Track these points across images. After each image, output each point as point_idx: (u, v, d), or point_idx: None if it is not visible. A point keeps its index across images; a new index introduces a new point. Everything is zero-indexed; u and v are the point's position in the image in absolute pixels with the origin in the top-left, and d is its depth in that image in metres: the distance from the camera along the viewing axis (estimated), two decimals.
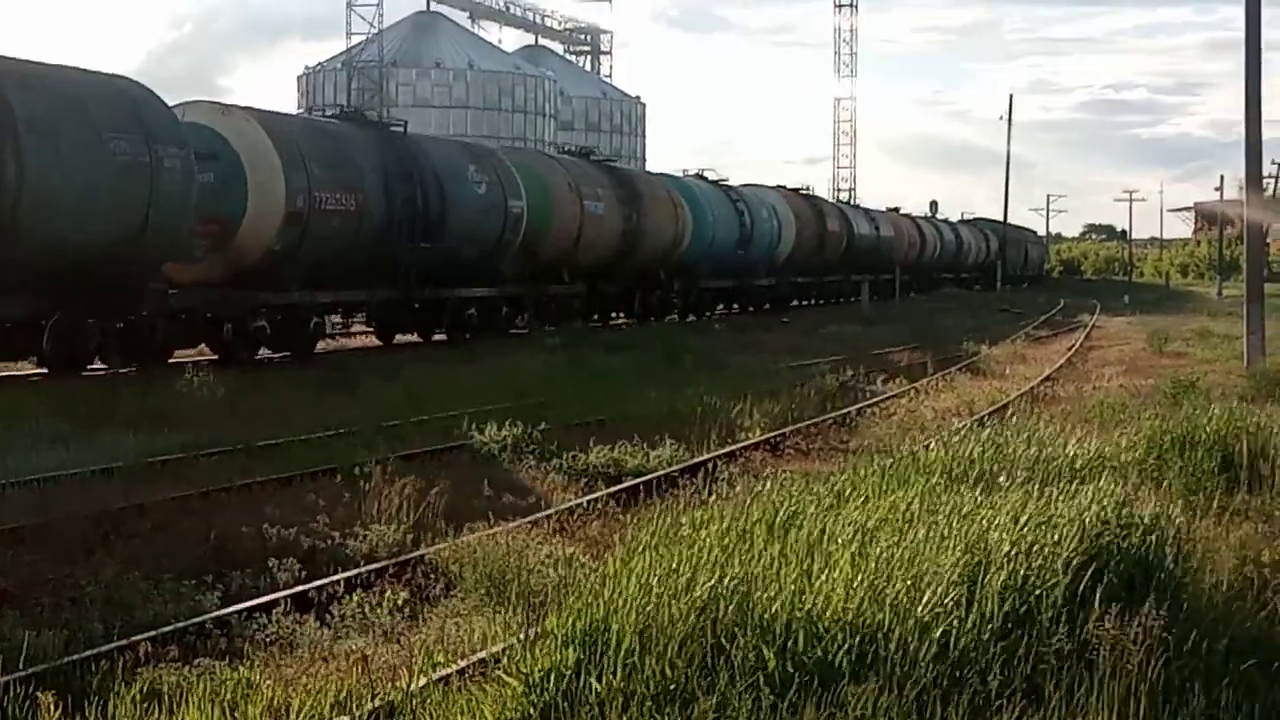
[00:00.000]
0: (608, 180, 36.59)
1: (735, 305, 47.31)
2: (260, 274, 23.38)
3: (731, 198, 44.99)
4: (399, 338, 28.98)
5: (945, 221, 79.42)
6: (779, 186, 52.34)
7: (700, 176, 45.64)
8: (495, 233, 29.46)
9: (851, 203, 73.73)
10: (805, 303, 53.31)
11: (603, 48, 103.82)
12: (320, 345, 26.22)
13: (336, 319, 29.27)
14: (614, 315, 37.90)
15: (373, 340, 29.28)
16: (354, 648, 7.14)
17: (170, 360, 21.53)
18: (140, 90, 21.42)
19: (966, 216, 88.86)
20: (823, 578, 6.24)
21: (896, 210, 70.54)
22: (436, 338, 29.09)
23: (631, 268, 37.17)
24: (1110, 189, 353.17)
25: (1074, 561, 6.48)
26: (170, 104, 22.53)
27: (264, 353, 24.12)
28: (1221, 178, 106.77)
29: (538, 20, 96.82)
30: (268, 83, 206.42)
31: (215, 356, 22.84)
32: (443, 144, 31.09)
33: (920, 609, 5.92)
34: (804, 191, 54.13)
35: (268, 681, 6.41)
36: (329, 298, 25.76)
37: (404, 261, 26.42)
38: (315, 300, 25.04)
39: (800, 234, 49.52)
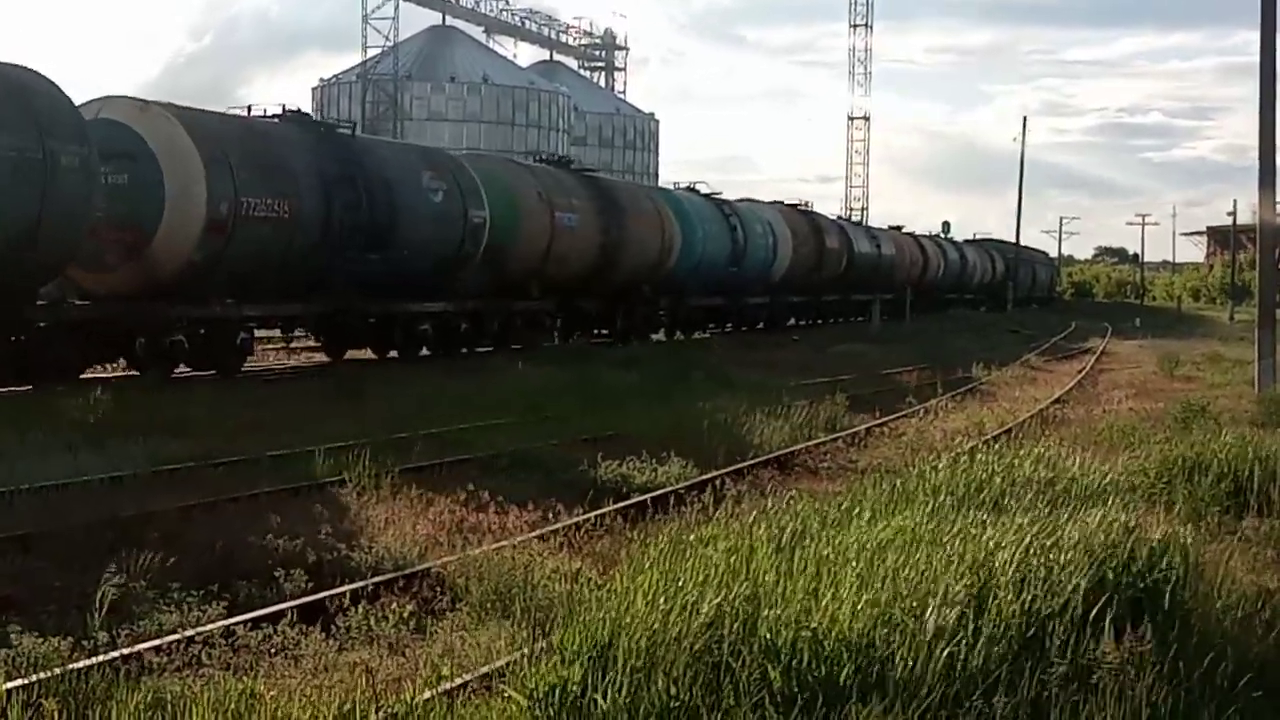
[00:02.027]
0: (584, 191, 34.50)
1: (728, 324, 45.01)
2: (180, 285, 21.49)
3: (724, 212, 43.20)
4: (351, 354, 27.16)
5: (950, 241, 77.74)
6: (776, 202, 50.67)
7: (692, 189, 44.15)
8: (452, 244, 27.36)
9: (853, 220, 72.56)
10: (802, 323, 51.46)
11: (617, 64, 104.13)
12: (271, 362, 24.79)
13: (276, 333, 27.47)
14: (597, 333, 35.65)
15: (320, 357, 27.55)
16: (359, 659, 7.14)
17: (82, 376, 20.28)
18: (35, 80, 19.19)
19: (979, 237, 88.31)
20: (829, 597, 6.23)
21: (899, 229, 68.75)
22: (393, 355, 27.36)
23: (611, 283, 34.90)
24: (1123, 212, 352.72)
25: (1081, 585, 6.47)
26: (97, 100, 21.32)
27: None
28: (1235, 202, 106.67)
29: (553, 36, 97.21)
30: (286, 95, 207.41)
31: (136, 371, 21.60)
32: (394, 148, 29.24)
33: (926, 630, 5.91)
34: (802, 207, 52.46)
35: (272, 692, 6.40)
36: (258, 311, 23.78)
37: (346, 273, 24.46)
38: (241, 314, 23.03)
39: (797, 251, 47.78)
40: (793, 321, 50.25)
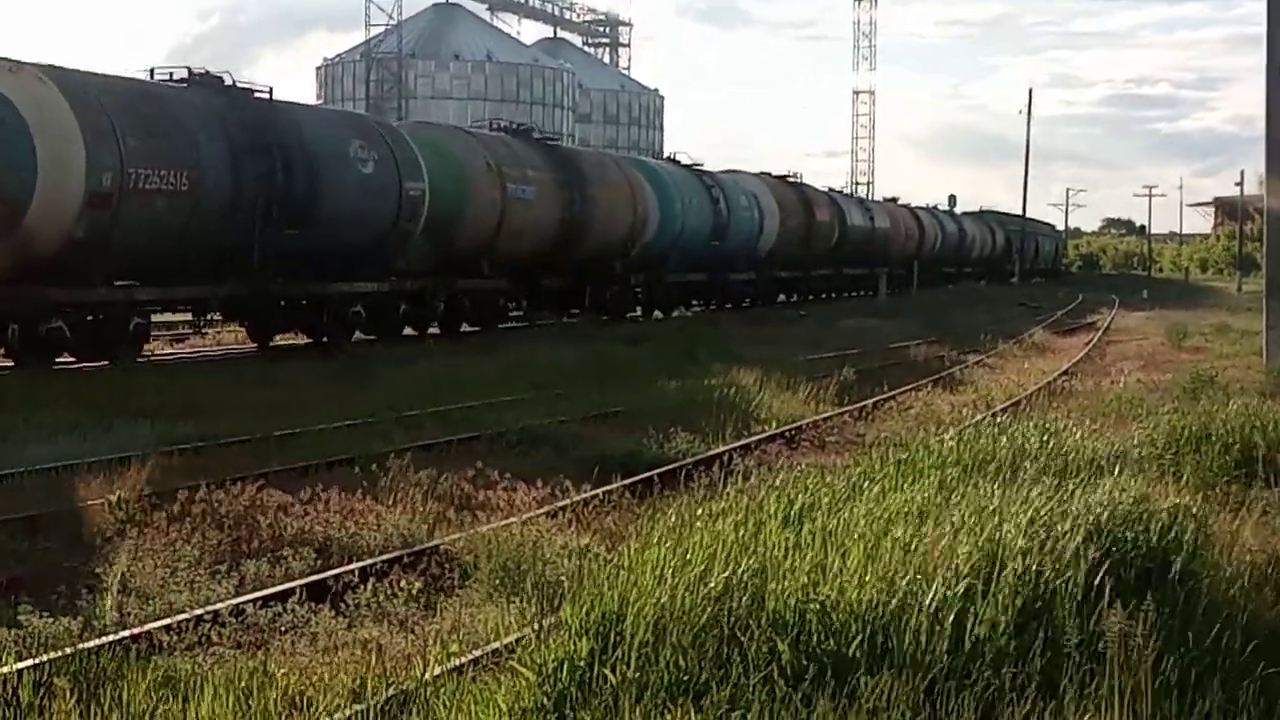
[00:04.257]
0: (543, 161, 31.96)
1: (713, 302, 43.02)
2: (61, 265, 19.34)
3: (706, 183, 40.72)
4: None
5: (948, 213, 75.52)
6: (763, 173, 47.98)
7: (673, 160, 42.22)
8: (387, 219, 25.21)
9: (853, 194, 71.41)
10: (791, 298, 48.83)
11: (622, 40, 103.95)
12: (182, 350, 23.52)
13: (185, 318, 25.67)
14: (573, 313, 33.54)
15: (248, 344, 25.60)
16: (369, 637, 7.16)
17: None
18: None
19: (985, 210, 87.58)
20: (837, 569, 6.24)
21: (894, 200, 67.60)
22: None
23: (577, 260, 32.61)
24: (1130, 184, 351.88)
25: (1090, 555, 6.46)
26: None
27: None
28: (1242, 173, 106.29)
29: (557, 12, 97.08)
30: (293, 75, 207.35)
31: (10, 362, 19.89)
32: (319, 114, 26.37)
33: (934, 601, 5.91)
34: (791, 178, 49.68)
35: (282, 670, 6.43)
36: (154, 295, 21.82)
37: (262, 252, 22.28)
38: (132, 298, 20.92)
39: (785, 224, 45.43)
40: (782, 298, 48.12)
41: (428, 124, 35.14)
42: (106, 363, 19.88)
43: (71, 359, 20.18)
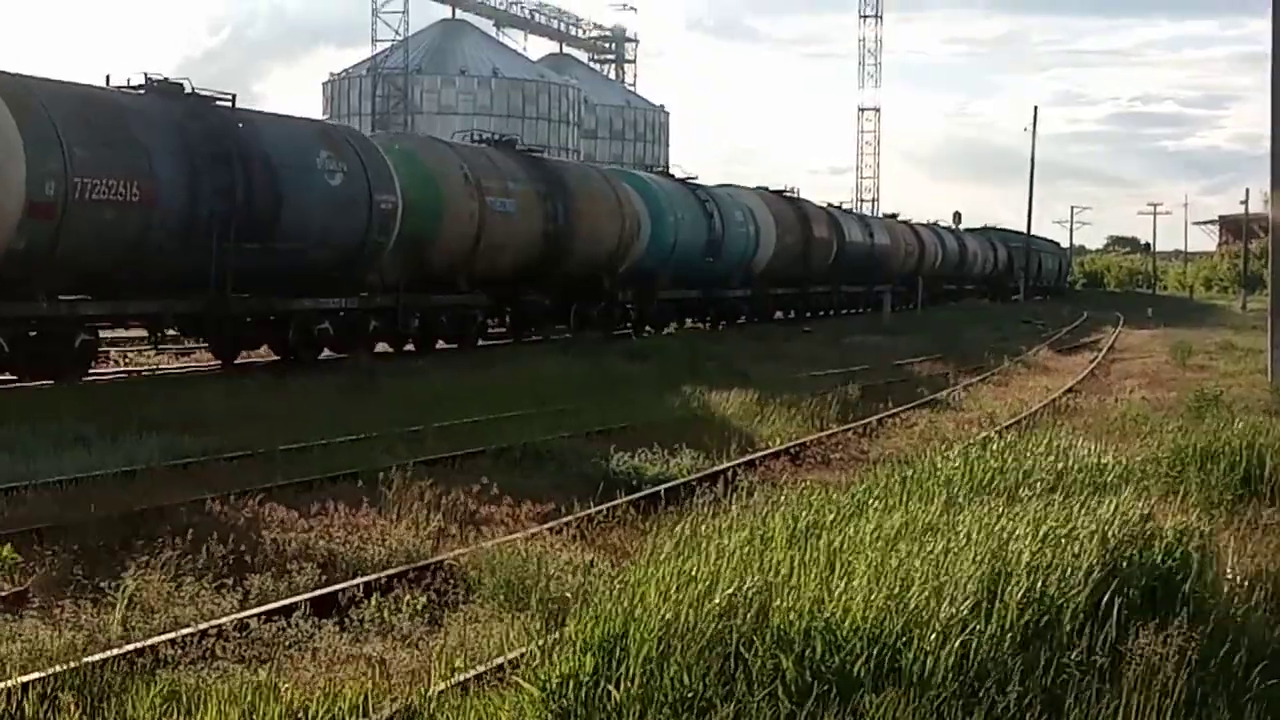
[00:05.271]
0: (525, 173, 30.82)
1: (707, 319, 41.76)
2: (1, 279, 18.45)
3: (700, 197, 39.62)
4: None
5: (949, 230, 74.47)
6: (760, 188, 47.15)
7: (665, 173, 41.20)
8: (356, 233, 24.13)
9: (853, 209, 70.70)
10: (788, 315, 47.94)
11: (628, 57, 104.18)
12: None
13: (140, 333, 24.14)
14: (559, 329, 32.24)
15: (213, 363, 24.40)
16: (373, 652, 7.16)
17: None
18: None
19: (988, 227, 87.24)
20: (842, 587, 6.23)
21: (894, 216, 66.96)
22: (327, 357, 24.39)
23: (562, 276, 31.53)
24: (1136, 201, 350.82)
25: (1095, 573, 6.46)
26: None
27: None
28: (1247, 190, 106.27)
29: (563, 28, 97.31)
30: (302, 89, 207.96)
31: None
32: (285, 124, 24.83)
33: (940, 619, 5.90)
34: (788, 193, 48.76)
35: (286, 684, 6.43)
36: (103, 310, 20.74)
37: (219, 266, 21.19)
38: (77, 313, 19.94)
39: (782, 240, 44.45)
40: (779, 315, 47.24)
41: (404, 135, 33.75)
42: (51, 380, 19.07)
43: (13, 377, 19.25)
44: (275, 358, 24.20)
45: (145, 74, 21.94)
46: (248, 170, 21.85)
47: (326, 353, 24.64)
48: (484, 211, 28.15)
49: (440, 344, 27.99)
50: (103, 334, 22.50)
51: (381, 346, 26.30)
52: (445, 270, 27.44)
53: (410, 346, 27.07)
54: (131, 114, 20.67)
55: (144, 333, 23.88)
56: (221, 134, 21.81)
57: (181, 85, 22.21)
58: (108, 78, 21.88)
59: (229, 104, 22.85)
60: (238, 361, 23.97)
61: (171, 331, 23.21)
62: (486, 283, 28.94)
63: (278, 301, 23.32)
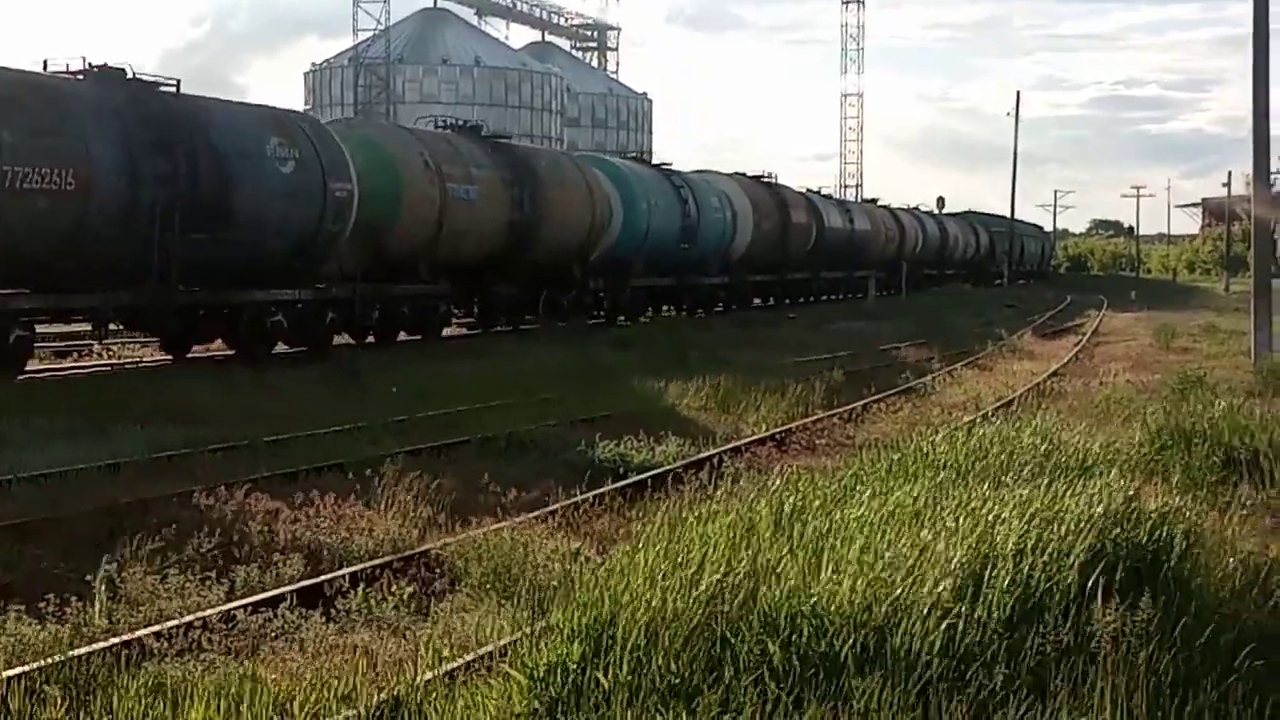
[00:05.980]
0: (490, 160, 30.06)
1: (684, 307, 40.76)
2: None
3: (674, 184, 38.86)
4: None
5: (930, 214, 73.88)
6: (737, 174, 46.34)
7: (639, 159, 40.60)
8: (310, 221, 23.23)
9: (834, 195, 70.27)
10: (766, 302, 47.46)
11: (610, 44, 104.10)
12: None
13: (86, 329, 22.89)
14: (528, 319, 31.69)
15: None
16: (359, 642, 7.15)
17: None
18: None
19: (970, 211, 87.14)
20: (828, 572, 6.24)
21: (874, 201, 66.69)
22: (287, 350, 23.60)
23: (529, 264, 30.79)
24: (1118, 185, 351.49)
25: (1081, 556, 6.47)
26: None
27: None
28: (1230, 174, 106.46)
29: (545, 17, 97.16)
30: (284, 80, 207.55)
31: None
32: (232, 110, 23.96)
33: (925, 603, 5.91)
34: (766, 179, 47.95)
35: (273, 676, 6.42)
36: (38, 303, 19.85)
37: (163, 257, 20.30)
38: (9, 306, 19.06)
39: (759, 226, 43.76)
40: (757, 302, 46.81)
41: (362, 121, 32.63)
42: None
43: None
44: (231, 351, 23.33)
45: (84, 59, 21.20)
46: (193, 158, 21.06)
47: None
48: (445, 198, 27.43)
49: (402, 336, 27.20)
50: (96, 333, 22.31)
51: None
52: (406, 257, 26.80)
53: (370, 339, 26.37)
54: (69, 100, 19.78)
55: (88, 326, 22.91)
56: (164, 120, 20.91)
57: (123, 71, 21.41)
58: (45, 63, 21.06)
59: (173, 90, 21.97)
60: (190, 355, 23.24)
61: (114, 326, 22.61)
62: (450, 271, 28.36)
63: (229, 293, 22.47)
